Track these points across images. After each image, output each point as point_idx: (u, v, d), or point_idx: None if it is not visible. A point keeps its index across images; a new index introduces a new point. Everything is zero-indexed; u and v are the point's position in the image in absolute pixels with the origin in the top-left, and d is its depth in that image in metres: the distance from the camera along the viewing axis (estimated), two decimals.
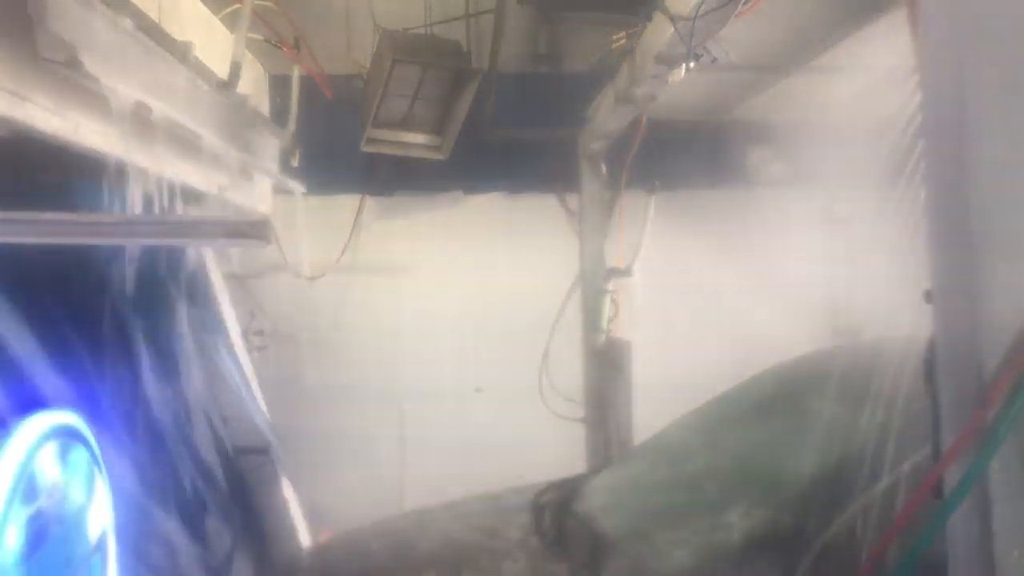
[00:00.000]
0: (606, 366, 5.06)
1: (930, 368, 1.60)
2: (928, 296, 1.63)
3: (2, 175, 2.43)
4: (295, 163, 4.55)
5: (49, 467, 1.65)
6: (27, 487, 1.55)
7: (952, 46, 1.55)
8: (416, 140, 5.35)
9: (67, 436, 1.74)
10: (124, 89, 2.41)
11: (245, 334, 4.72)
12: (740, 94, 5.19)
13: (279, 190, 4.74)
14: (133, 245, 2.22)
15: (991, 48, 1.50)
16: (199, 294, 3.84)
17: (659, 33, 3.27)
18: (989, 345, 1.45)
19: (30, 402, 1.63)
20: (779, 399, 3.53)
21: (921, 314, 1.71)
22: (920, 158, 1.71)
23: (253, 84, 4.37)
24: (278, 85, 4.82)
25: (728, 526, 2.60)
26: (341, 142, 5.37)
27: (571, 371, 5.37)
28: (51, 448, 1.66)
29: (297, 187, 4.57)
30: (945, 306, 1.56)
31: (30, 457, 1.57)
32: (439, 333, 5.77)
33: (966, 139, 1.50)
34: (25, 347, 2.22)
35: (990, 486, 1.46)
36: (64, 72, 2.30)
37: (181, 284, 3.47)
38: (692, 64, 3.29)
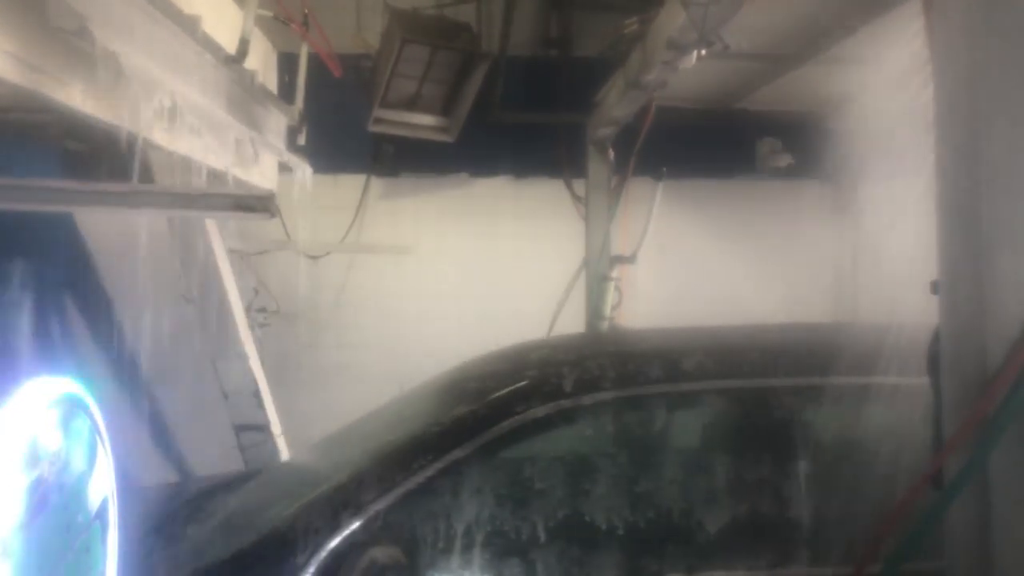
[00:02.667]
0: None
1: (934, 358, 1.60)
2: (935, 287, 1.62)
3: (10, 142, 2.43)
4: (302, 141, 4.54)
5: (51, 434, 1.65)
6: (29, 453, 1.55)
7: (965, 36, 1.54)
8: (424, 121, 5.34)
9: (69, 404, 1.74)
10: (133, 60, 2.41)
11: (248, 311, 4.72)
12: (750, 84, 5.17)
13: (285, 168, 4.73)
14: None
15: (1004, 39, 1.49)
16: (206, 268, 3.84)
17: (671, 18, 3.25)
18: (994, 336, 1.45)
19: (32, 367, 1.63)
20: (417, 395, 3.18)
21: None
22: (930, 150, 1.71)
23: (261, 61, 4.35)
24: (286, 63, 4.80)
25: (262, 520, 2.35)
26: (348, 122, 5.36)
27: None
28: (53, 415, 1.66)
29: (303, 165, 4.56)
30: (952, 297, 1.56)
31: (32, 424, 1.57)
32: (442, 315, 5.76)
33: (977, 130, 1.49)
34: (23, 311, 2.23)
35: (990, 476, 1.46)
36: (74, 41, 2.30)
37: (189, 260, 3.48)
38: (703, 51, 3.27)
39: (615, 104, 4.52)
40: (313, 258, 5.48)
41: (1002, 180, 1.47)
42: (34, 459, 1.53)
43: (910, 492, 1.62)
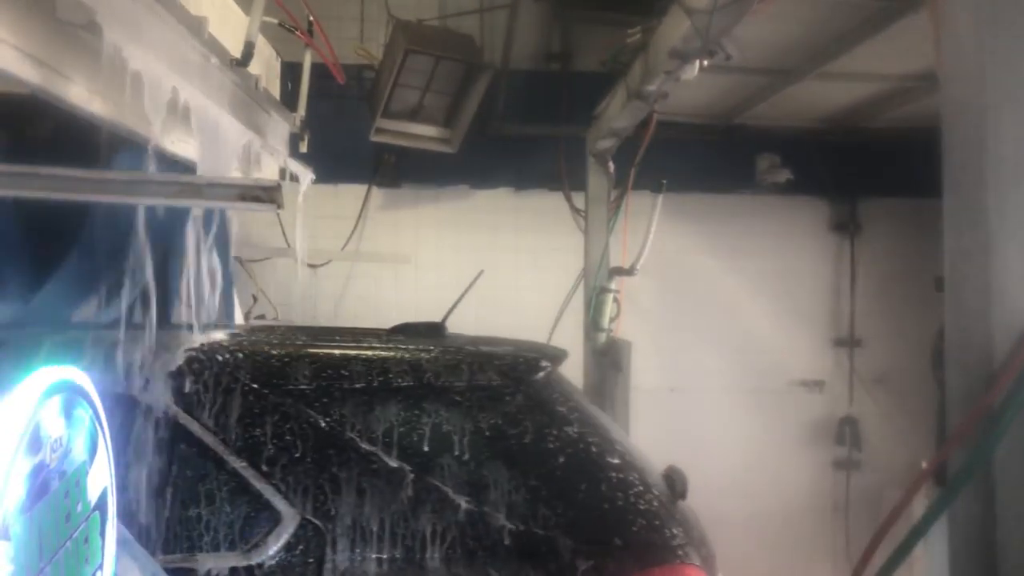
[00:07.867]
0: (606, 365, 5.04)
1: (938, 354, 1.60)
2: (939, 284, 1.63)
3: (16, 136, 2.44)
4: (304, 148, 4.54)
5: (53, 420, 1.64)
6: (32, 437, 1.54)
7: (973, 29, 1.55)
8: (425, 132, 5.36)
9: (72, 392, 1.73)
10: (138, 57, 2.41)
11: (246, 317, 4.71)
12: (750, 99, 5.20)
13: (286, 176, 4.73)
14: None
15: (1012, 32, 1.51)
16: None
17: (674, 28, 3.27)
18: (1001, 329, 1.45)
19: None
20: None
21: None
22: (934, 152, 1.72)
23: (265, 68, 4.36)
24: (289, 72, 4.82)
25: None
26: (350, 131, 5.38)
27: (571, 370, 5.34)
28: (56, 402, 1.65)
29: (306, 173, 4.56)
30: (959, 290, 1.56)
31: (37, 407, 1.56)
32: None
33: (985, 124, 1.50)
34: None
35: (994, 472, 1.46)
36: (81, 36, 2.30)
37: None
38: (706, 60, 3.28)
39: (616, 115, 4.54)
40: (313, 267, 5.48)
41: (1010, 174, 1.48)
42: (36, 443, 1.52)
43: (910, 488, 1.62)
